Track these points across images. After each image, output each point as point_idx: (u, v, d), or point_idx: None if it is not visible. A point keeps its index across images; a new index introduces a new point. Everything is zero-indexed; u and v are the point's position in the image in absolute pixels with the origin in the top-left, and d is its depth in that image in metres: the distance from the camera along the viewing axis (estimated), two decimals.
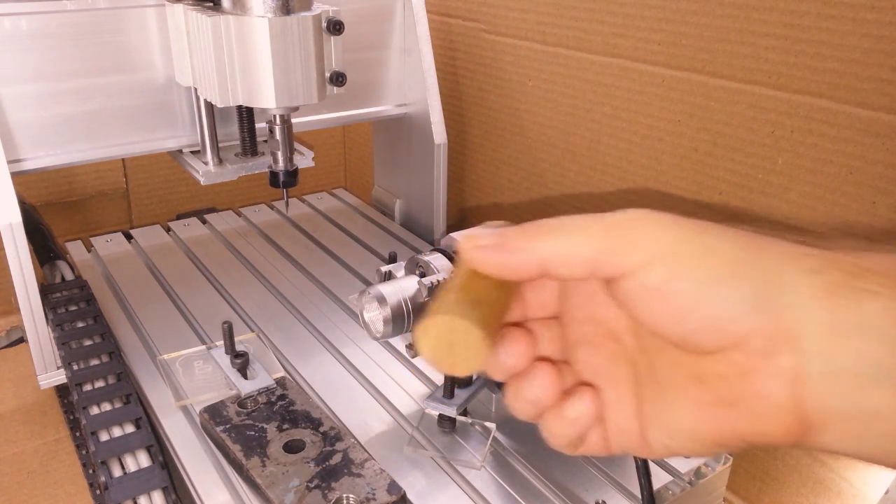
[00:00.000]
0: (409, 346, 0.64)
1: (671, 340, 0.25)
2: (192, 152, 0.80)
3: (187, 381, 0.65)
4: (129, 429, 0.59)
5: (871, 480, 0.64)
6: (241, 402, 0.61)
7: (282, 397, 0.61)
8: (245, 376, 0.64)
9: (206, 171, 0.77)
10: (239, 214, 1.03)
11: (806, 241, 0.25)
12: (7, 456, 0.78)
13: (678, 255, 0.24)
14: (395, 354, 0.71)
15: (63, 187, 1.05)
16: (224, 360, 0.66)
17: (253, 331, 0.74)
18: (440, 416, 0.60)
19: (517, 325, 0.29)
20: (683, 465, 0.58)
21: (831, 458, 0.67)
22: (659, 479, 0.56)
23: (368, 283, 0.84)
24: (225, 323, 0.66)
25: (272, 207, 1.06)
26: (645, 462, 0.50)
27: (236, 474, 0.55)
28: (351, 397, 0.65)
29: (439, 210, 0.96)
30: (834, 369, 0.23)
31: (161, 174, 1.11)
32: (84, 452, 0.77)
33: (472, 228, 0.32)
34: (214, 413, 0.59)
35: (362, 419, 0.62)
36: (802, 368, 0.23)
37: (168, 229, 0.98)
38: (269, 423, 0.58)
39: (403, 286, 0.60)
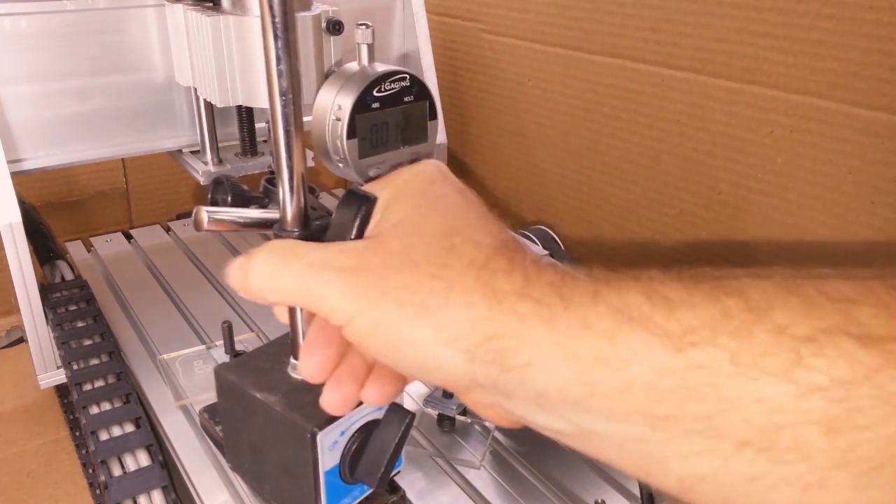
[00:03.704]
0: None
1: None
2: (191, 152, 0.80)
3: (187, 381, 0.65)
4: (129, 428, 0.59)
5: None
6: None
7: None
8: None
9: (205, 171, 0.77)
10: None
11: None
12: (7, 456, 0.78)
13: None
14: None
15: (63, 187, 1.05)
16: (224, 360, 0.66)
17: (253, 331, 0.74)
18: (440, 415, 0.60)
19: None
20: None
21: None
22: None
23: None
24: (225, 323, 0.66)
25: None
26: None
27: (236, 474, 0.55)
28: None
29: None
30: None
31: (161, 174, 1.11)
32: (84, 452, 0.77)
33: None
34: (214, 413, 0.59)
35: None
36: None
37: (168, 229, 0.98)
38: None
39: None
